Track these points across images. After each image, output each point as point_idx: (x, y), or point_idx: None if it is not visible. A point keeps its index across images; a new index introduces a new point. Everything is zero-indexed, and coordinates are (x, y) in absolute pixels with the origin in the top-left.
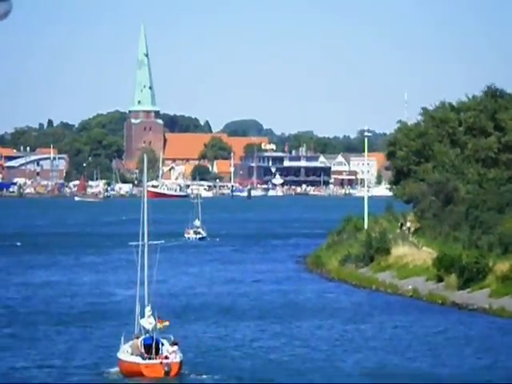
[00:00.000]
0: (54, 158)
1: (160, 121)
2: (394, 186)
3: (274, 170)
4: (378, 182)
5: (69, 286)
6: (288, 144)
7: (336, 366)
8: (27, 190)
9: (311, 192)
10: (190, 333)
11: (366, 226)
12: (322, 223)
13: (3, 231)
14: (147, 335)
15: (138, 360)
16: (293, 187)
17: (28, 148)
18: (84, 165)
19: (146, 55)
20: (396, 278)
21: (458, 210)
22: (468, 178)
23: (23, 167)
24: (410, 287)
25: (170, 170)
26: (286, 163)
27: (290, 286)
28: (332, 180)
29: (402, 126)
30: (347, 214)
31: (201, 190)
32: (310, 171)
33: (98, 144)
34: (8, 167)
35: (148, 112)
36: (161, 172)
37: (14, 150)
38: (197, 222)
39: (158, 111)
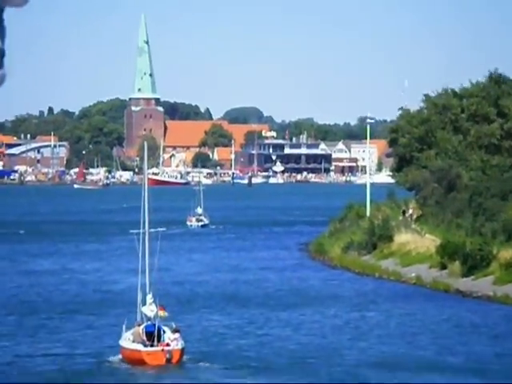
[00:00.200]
0: (55, 146)
1: (160, 108)
2: (397, 173)
3: (274, 157)
4: (379, 169)
5: (72, 274)
6: (288, 131)
7: (342, 354)
8: (28, 178)
9: (312, 179)
10: (194, 321)
11: (368, 214)
12: (324, 210)
13: (6, 219)
14: (149, 322)
15: (140, 347)
16: (293, 174)
17: (28, 135)
18: (83, 152)
19: (147, 42)
20: (399, 265)
21: (461, 197)
22: (471, 165)
23: (24, 155)
24: (413, 275)
25: (170, 157)
26: (287, 150)
27: (293, 274)
28: (333, 167)
29: (404, 113)
30: (349, 202)
31: (201, 177)
32: (310, 158)
33: (98, 131)
34: (9, 155)
35: (148, 99)
36: (161, 159)
37: (15, 138)
38: (199, 210)
39: (159, 99)
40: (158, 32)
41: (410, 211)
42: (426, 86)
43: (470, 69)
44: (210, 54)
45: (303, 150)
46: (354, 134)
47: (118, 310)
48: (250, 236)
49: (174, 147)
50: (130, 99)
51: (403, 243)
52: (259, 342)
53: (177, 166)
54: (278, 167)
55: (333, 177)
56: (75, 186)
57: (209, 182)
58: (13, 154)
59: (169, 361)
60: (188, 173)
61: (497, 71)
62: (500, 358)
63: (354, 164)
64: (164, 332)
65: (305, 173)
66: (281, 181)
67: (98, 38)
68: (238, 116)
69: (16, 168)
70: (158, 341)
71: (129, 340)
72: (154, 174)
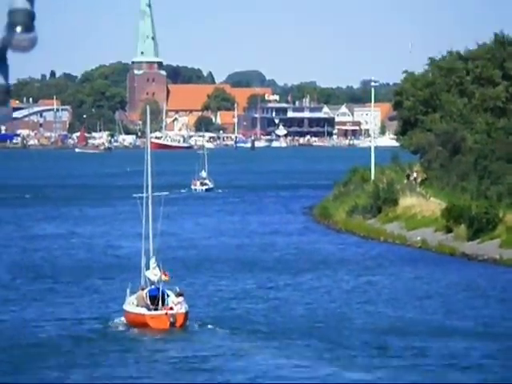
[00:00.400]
0: (57, 110)
1: (163, 72)
2: (401, 137)
3: (277, 121)
4: (382, 133)
5: (76, 238)
6: (291, 95)
7: (350, 318)
8: (31, 142)
9: (315, 143)
10: (200, 286)
11: (372, 177)
12: (327, 174)
13: (11, 183)
14: (152, 286)
15: (144, 311)
16: (296, 138)
17: (31, 99)
18: (84, 116)
19: (149, 5)
20: (404, 229)
21: (466, 160)
22: (476, 128)
23: (26, 118)
24: (418, 238)
25: (173, 121)
26: (290, 114)
27: (299, 238)
28: (336, 131)
29: (408, 76)
30: (352, 165)
31: (203, 141)
32: (313, 122)
33: (100, 95)
34: (11, 118)
35: (151, 63)
36: (164, 123)
37: (17, 102)
38: (203, 174)
39: (161, 62)
40: None
41: (415, 175)
42: (431, 48)
43: (475, 31)
44: (212, 18)
45: (306, 114)
46: (356, 97)
47: (124, 275)
48: (254, 200)
49: (177, 111)
50: (132, 63)
51: (408, 207)
52: (267, 306)
53: (179, 129)
54: (281, 131)
55: (336, 140)
56: (76, 150)
57: (211, 146)
58: (15, 118)
59: (172, 324)
60: (191, 136)
61: (503, 33)
62: (508, 321)
63: (357, 127)
64: (168, 296)
65: (308, 136)
66: (284, 144)
67: (101, 0)
68: (240, 80)
69: (18, 132)
70: (162, 304)
71: (133, 304)
72: (156, 137)
